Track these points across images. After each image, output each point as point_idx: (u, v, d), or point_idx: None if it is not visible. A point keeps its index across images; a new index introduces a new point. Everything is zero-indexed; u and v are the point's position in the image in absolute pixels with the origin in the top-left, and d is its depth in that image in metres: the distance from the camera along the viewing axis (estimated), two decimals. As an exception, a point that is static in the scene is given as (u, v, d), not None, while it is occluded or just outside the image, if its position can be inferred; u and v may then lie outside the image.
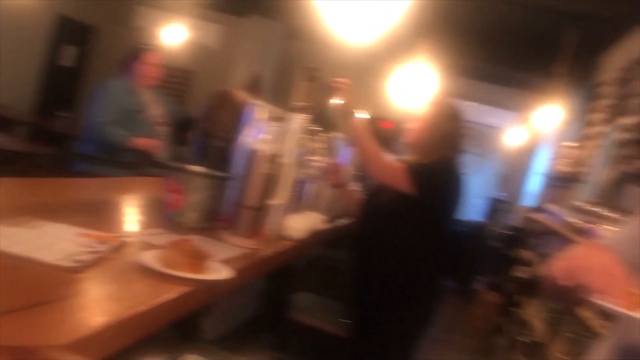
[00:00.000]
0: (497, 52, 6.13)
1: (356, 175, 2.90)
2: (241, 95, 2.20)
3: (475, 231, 7.04)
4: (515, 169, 8.18)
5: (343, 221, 2.76)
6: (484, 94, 8.28)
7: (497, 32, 5.69)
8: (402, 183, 2.16)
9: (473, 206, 7.93)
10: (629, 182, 3.63)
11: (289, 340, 2.83)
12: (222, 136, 1.99)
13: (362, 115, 2.23)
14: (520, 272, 4.56)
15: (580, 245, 1.13)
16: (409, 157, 2.43)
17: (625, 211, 3.30)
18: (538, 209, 5.21)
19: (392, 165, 2.22)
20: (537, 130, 5.87)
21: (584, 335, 2.57)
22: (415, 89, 4.44)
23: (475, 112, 8.39)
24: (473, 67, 7.40)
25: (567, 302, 1.16)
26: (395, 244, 2.27)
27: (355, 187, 2.72)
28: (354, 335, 2.44)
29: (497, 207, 7.49)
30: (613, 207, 3.41)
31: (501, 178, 7.96)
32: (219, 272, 1.29)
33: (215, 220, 1.77)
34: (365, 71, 6.85)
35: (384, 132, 6.06)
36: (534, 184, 7.63)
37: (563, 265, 1.05)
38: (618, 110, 4.23)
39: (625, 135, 3.80)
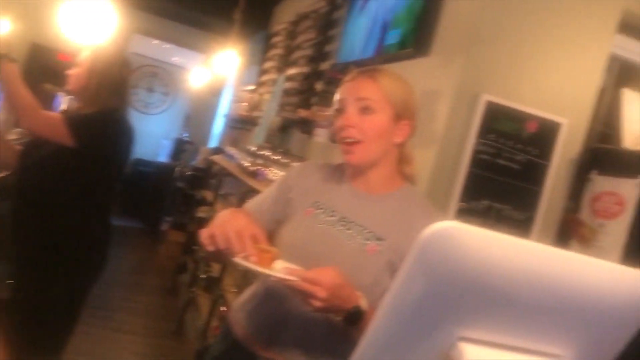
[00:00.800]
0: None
1: (13, 123, 2.60)
2: None
3: (163, 172, 7.07)
4: (200, 110, 8.37)
5: (-2, 174, 2.47)
6: (171, 33, 8.16)
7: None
8: (60, 135, 2.00)
9: (160, 147, 7.92)
10: (293, 127, 4.06)
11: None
12: None
13: (12, 59, 1.97)
14: (202, 212, 4.78)
15: (222, 214, 1.24)
16: (76, 104, 2.27)
17: (289, 154, 3.70)
18: (218, 151, 5.47)
19: (48, 116, 2.04)
20: (220, 73, 6.08)
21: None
22: (91, 22, 4.11)
23: (162, 50, 8.26)
24: (159, 5, 7.20)
25: (219, 262, 1.29)
26: (57, 198, 2.13)
27: (12, 136, 2.44)
28: (19, 295, 2.26)
29: (183, 148, 7.61)
30: (280, 150, 3.79)
31: (187, 119, 8.07)
32: None
33: None
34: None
35: (63, 65, 5.53)
36: (218, 126, 7.95)
37: (207, 233, 1.16)
38: (286, 61, 4.64)
39: (290, 85, 4.20)
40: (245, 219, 1.20)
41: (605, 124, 2.65)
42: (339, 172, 1.47)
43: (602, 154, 2.33)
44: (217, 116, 8.09)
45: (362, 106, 1.31)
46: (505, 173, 2.26)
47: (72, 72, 2.18)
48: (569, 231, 2.34)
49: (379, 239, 1.31)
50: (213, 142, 7.81)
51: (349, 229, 1.33)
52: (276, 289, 1.32)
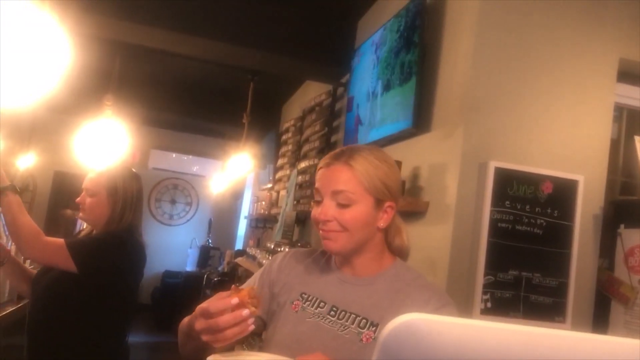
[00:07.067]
0: (191, 104, 6.34)
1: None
2: None
3: (191, 281, 7.01)
4: (223, 214, 8.44)
5: (12, 304, 2.43)
6: (187, 144, 8.43)
7: (187, 86, 5.88)
8: (63, 261, 1.97)
9: (187, 256, 7.92)
10: (309, 220, 4.02)
11: None
12: None
13: (15, 190, 1.98)
14: (230, 318, 4.64)
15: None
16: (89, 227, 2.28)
17: (307, 247, 3.63)
18: (241, 253, 5.43)
19: (50, 242, 2.00)
20: (237, 177, 6.16)
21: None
22: (104, 145, 4.24)
23: (181, 162, 8.48)
24: (172, 119, 7.49)
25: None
26: (63, 326, 2.05)
27: (27, 264, 2.42)
28: None
29: (209, 254, 7.59)
30: (298, 244, 3.72)
31: (211, 225, 8.12)
32: None
33: None
34: (53, 126, 6.42)
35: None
36: (242, 228, 7.97)
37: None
38: (297, 156, 4.68)
39: (303, 178, 4.21)
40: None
41: (625, 174, 2.55)
42: (323, 259, 1.37)
43: (626, 206, 2.22)
44: (240, 218, 8.13)
45: (340, 200, 1.21)
46: (528, 239, 2.16)
47: (86, 201, 2.17)
48: (608, 292, 2.18)
49: (373, 324, 1.20)
50: (238, 245, 7.79)
51: (340, 319, 1.24)
52: None
